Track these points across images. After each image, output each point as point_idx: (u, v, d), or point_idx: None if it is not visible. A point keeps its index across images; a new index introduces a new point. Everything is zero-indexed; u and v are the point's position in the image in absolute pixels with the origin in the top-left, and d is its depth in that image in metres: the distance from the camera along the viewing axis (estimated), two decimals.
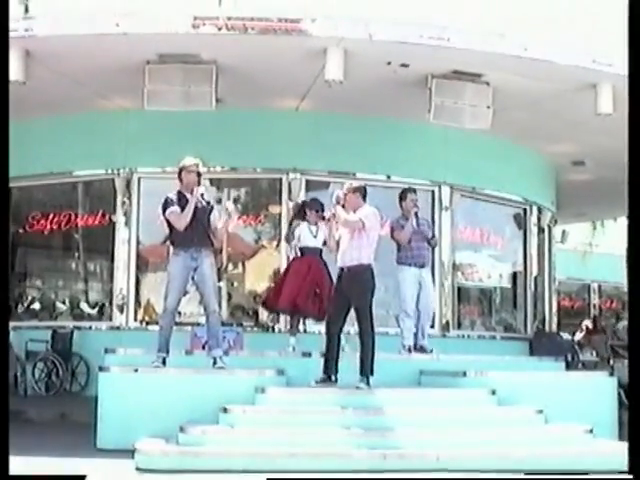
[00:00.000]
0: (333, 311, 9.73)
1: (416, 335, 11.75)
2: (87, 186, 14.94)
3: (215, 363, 9.71)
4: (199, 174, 9.82)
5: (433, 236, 12.24)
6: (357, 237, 9.57)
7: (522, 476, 7.77)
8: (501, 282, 16.93)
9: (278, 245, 13.97)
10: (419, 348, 11.62)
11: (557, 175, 17.42)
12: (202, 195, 9.83)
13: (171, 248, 10.09)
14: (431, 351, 11.60)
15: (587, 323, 21.33)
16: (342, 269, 9.60)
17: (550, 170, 17.18)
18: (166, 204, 9.81)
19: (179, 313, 14.30)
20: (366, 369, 9.42)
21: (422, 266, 11.82)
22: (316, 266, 11.27)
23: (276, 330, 13.67)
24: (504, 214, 16.54)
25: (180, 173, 9.88)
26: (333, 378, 9.57)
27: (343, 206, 9.72)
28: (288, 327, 11.96)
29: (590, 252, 27.10)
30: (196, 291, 10.19)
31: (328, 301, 10.07)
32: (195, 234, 9.73)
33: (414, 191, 12.09)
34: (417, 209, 11.90)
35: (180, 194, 9.82)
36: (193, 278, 9.85)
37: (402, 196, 11.97)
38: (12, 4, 11.01)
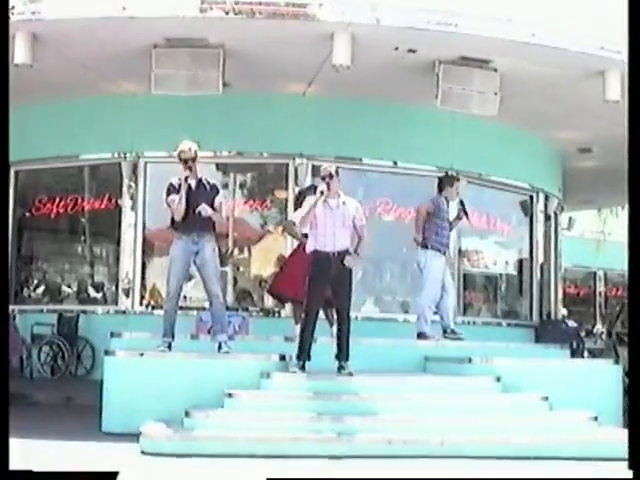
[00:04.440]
0: (315, 295, 9.50)
1: (442, 319, 11.75)
2: (93, 170, 14.94)
3: (220, 348, 9.72)
4: (182, 159, 9.75)
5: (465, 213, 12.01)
6: (347, 225, 9.57)
7: (526, 462, 7.79)
8: (507, 269, 16.94)
9: (284, 231, 13.94)
10: (450, 332, 11.60)
11: (564, 162, 17.40)
12: (200, 180, 9.82)
13: (174, 232, 10.05)
14: (461, 334, 11.62)
15: None
16: (332, 253, 9.47)
17: (557, 157, 17.16)
18: (168, 191, 9.85)
19: (184, 297, 14.39)
20: (345, 354, 9.42)
21: (445, 253, 11.88)
22: None
23: (281, 315, 13.67)
24: (511, 201, 16.52)
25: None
26: (306, 365, 9.41)
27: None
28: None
29: (604, 241, 27.05)
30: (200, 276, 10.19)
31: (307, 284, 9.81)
32: (197, 219, 9.73)
33: (459, 179, 12.20)
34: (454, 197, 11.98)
35: (182, 179, 9.80)
36: (195, 262, 9.84)
37: (449, 182, 11.95)
38: None
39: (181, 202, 9.68)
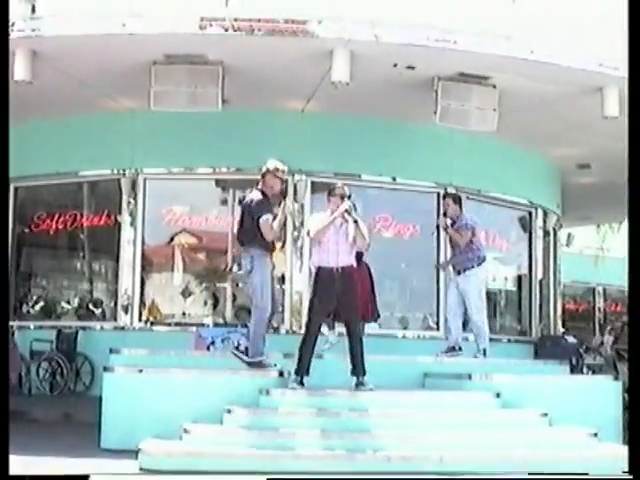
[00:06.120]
0: (317, 311, 9.55)
1: (450, 335, 11.83)
2: (93, 186, 14.95)
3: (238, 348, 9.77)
4: (282, 181, 9.85)
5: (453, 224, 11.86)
6: (350, 240, 9.61)
7: (526, 477, 7.78)
8: (506, 285, 16.93)
9: (283, 246, 13.95)
10: (450, 348, 11.63)
11: (563, 178, 17.42)
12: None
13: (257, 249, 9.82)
14: (458, 352, 11.65)
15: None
16: (335, 269, 9.49)
17: (556, 173, 17.18)
18: (260, 209, 9.63)
19: (183, 314, 14.43)
20: (362, 369, 9.42)
21: (458, 272, 11.78)
22: None
23: (281, 332, 13.65)
24: (509, 217, 16.53)
25: (264, 175, 9.83)
26: (304, 381, 9.41)
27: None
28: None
29: (603, 256, 27.04)
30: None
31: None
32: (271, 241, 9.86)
33: (445, 196, 12.20)
34: (449, 215, 11.83)
35: (264, 196, 9.77)
36: None
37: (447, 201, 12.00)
38: (19, 4, 11.07)
39: (278, 228, 9.75)
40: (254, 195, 9.80)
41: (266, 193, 9.79)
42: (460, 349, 11.61)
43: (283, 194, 9.88)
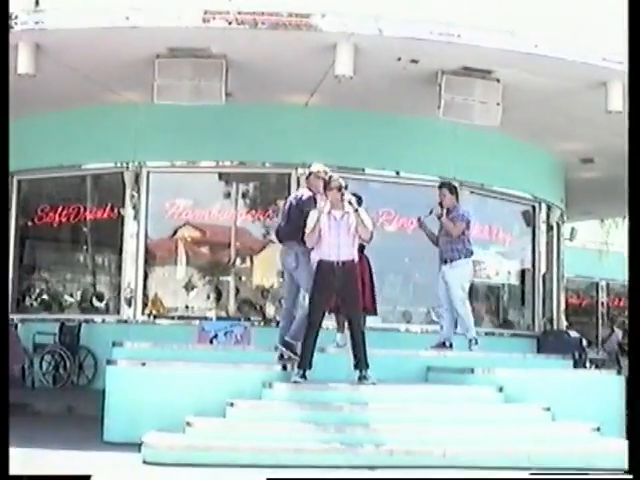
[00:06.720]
0: (319, 304, 9.52)
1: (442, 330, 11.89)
2: (96, 179, 14.96)
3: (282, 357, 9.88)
4: (325, 182, 9.95)
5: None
6: (352, 233, 9.59)
7: (528, 474, 7.77)
8: (509, 279, 16.92)
9: None
10: (449, 345, 11.66)
11: (566, 173, 17.40)
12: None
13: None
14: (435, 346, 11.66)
15: None
16: (336, 263, 9.48)
17: (559, 167, 17.16)
18: (310, 204, 9.89)
19: (187, 307, 14.45)
20: (365, 363, 9.41)
21: (445, 262, 11.76)
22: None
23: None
24: (513, 211, 16.52)
25: (308, 177, 10.20)
26: (307, 374, 9.39)
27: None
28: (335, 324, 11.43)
29: (606, 251, 27.00)
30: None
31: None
32: None
33: (441, 186, 12.09)
34: (445, 205, 11.80)
35: (314, 196, 10.01)
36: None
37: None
38: None
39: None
40: (304, 191, 10.17)
41: (313, 192, 10.05)
42: (451, 346, 11.61)
43: (327, 194, 10.00)
